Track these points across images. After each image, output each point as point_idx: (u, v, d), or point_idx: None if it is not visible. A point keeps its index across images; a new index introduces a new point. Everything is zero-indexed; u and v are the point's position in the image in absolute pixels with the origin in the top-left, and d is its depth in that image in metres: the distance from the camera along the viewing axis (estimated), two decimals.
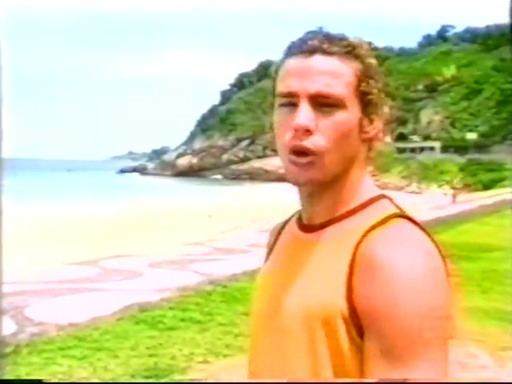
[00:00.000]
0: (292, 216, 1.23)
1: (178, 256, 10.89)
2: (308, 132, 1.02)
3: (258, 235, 14.96)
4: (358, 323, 0.97)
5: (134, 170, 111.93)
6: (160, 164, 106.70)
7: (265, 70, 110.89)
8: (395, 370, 0.92)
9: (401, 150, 60.88)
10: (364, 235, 1.01)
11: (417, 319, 0.93)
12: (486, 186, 44.69)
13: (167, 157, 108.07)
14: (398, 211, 1.06)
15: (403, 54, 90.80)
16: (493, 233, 14.00)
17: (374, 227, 1.01)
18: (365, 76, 1.06)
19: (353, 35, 1.09)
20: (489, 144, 60.24)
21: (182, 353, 5.19)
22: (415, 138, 71.73)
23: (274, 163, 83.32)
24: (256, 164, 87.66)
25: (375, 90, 1.07)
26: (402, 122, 74.12)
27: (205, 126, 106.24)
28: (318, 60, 1.04)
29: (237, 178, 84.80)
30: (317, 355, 1.00)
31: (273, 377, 1.06)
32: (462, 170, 54.12)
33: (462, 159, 57.63)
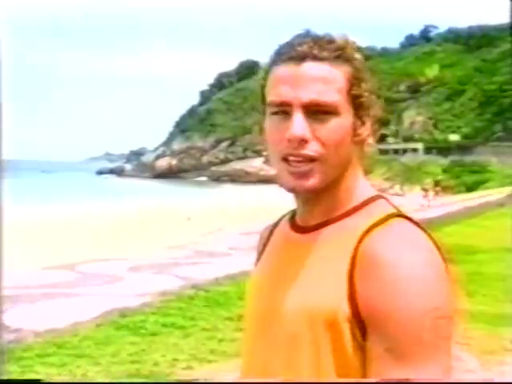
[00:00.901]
0: (282, 217, 1.24)
1: (159, 260, 10.88)
2: (303, 141, 1.04)
3: (240, 238, 14.99)
4: (360, 323, 0.99)
5: (112, 171, 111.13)
6: (138, 165, 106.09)
7: (245, 70, 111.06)
8: (399, 370, 0.94)
9: (383, 152, 61.15)
10: (364, 235, 1.03)
11: (421, 318, 0.95)
12: (470, 188, 45.16)
13: (145, 158, 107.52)
14: (396, 211, 1.08)
15: (385, 54, 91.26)
16: (477, 235, 14.17)
17: (374, 226, 1.03)
18: (355, 79, 1.07)
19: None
20: (472, 145, 60.82)
21: (165, 359, 5.17)
22: (398, 139, 72.22)
23: (254, 165, 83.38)
24: (236, 166, 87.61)
25: (366, 93, 1.08)
26: (385, 123, 74.59)
27: (184, 126, 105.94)
28: (309, 67, 1.05)
29: (217, 179, 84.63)
30: (320, 357, 1.01)
31: (272, 378, 1.07)
32: (445, 171, 54.60)
33: (445, 161, 58.09)
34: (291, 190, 1.07)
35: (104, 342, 5.63)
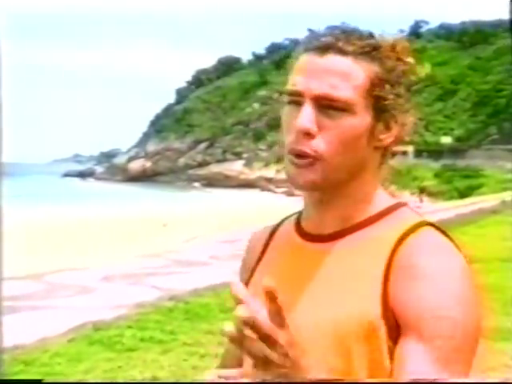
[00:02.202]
0: (282, 221, 1.23)
1: (134, 269, 10.84)
2: (308, 135, 1.05)
3: (220, 246, 14.98)
4: (393, 332, 1.01)
5: (80, 174, 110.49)
6: (109, 168, 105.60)
7: (225, 67, 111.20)
8: (439, 371, 0.96)
9: (390, 156, 61.62)
10: (398, 244, 1.05)
11: (463, 324, 1.00)
12: (462, 194, 45.51)
13: (117, 160, 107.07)
14: (424, 219, 1.10)
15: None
16: (471, 244, 14.22)
17: (406, 235, 1.05)
18: (380, 80, 1.07)
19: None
20: (465, 148, 61.49)
21: (143, 376, 5.14)
22: None
23: (234, 168, 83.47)
24: (215, 169, 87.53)
25: (392, 96, 1.08)
26: None
27: (159, 126, 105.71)
28: (330, 59, 1.06)
29: (194, 183, 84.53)
30: (352, 368, 1.03)
31: None
32: (436, 176, 55.06)
33: (436, 164, 58.61)
34: (294, 184, 1.09)
35: (76, 359, 5.59)
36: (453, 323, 0.99)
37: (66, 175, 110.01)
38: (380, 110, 1.08)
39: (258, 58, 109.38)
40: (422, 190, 43.42)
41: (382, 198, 1.13)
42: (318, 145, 1.05)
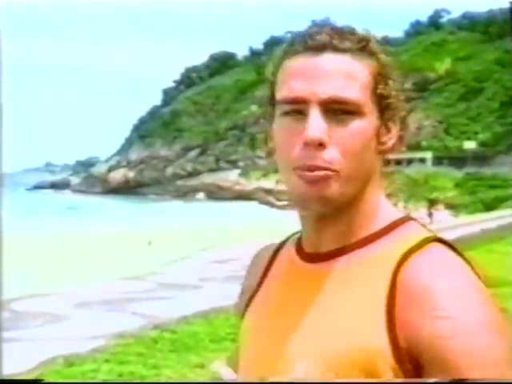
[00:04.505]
0: (287, 239, 1.25)
1: (113, 294, 10.84)
2: (321, 146, 1.05)
3: (212, 267, 15.01)
4: (405, 363, 1.01)
5: (53, 185, 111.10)
6: (87, 179, 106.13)
7: (218, 64, 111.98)
8: None
9: (384, 162, 61.88)
10: (401, 262, 1.05)
11: (493, 352, 0.99)
12: (488, 207, 45.71)
13: (96, 170, 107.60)
14: (432, 234, 1.10)
15: (387, 44, 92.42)
16: (498, 263, 14.27)
17: (410, 252, 1.05)
18: (381, 76, 1.10)
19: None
20: (491, 155, 61.80)
21: None
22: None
23: (229, 178, 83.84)
24: (207, 179, 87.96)
25: (394, 93, 1.11)
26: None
27: (143, 131, 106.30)
28: (329, 58, 1.07)
29: (184, 195, 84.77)
30: None
31: None
32: (458, 186, 55.28)
33: (458, 173, 58.93)
34: (304, 202, 1.08)
35: None
36: (481, 353, 0.99)
37: (37, 187, 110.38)
38: (383, 109, 1.10)
39: (255, 53, 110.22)
40: (433, 203, 42.17)
41: (386, 211, 1.13)
42: (333, 156, 1.05)
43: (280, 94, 1.09)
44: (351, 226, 1.11)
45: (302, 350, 1.07)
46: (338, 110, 1.05)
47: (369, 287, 1.05)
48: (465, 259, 1.07)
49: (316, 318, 1.08)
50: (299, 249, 1.17)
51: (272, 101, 1.12)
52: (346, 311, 1.05)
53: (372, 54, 1.10)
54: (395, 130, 1.12)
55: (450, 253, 1.07)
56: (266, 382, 1.10)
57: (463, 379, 0.97)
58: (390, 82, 1.10)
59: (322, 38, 1.08)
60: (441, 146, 70.59)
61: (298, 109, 1.07)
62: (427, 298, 1.00)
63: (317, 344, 1.05)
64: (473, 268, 1.06)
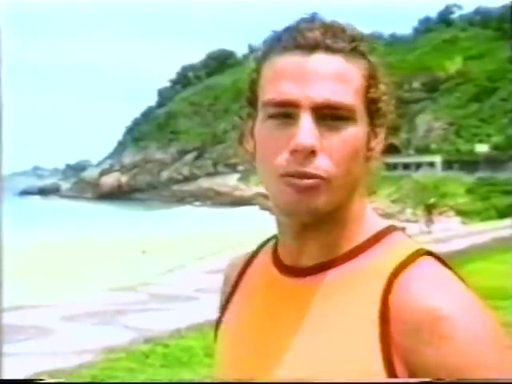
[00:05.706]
0: (259, 249, 1.23)
1: (102, 306, 10.81)
2: (312, 153, 1.03)
3: (208, 277, 14.94)
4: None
5: (42, 191, 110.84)
6: (77, 183, 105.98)
7: (216, 63, 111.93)
8: None
9: (391, 167, 61.67)
10: (392, 278, 1.03)
11: (500, 369, 0.99)
12: (502, 214, 45.53)
13: (87, 174, 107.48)
14: (422, 247, 1.08)
15: (395, 42, 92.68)
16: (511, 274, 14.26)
17: (401, 268, 1.04)
18: (372, 78, 1.09)
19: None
20: (505, 159, 61.59)
21: None
22: (409, 150, 72.98)
23: (228, 182, 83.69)
24: (205, 184, 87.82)
25: (384, 96, 1.10)
26: (394, 131, 75.32)
27: (137, 134, 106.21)
28: (321, 59, 1.05)
29: (180, 201, 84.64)
30: None
31: None
32: (470, 191, 55.13)
33: (469, 178, 58.72)
34: (292, 208, 1.05)
35: None
36: (488, 371, 0.98)
37: (25, 192, 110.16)
38: (373, 113, 1.09)
39: (254, 51, 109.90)
40: (430, 209, 40.17)
41: (371, 221, 1.12)
42: (324, 163, 1.03)
43: (266, 96, 1.06)
44: (334, 237, 1.09)
45: (282, 374, 1.04)
46: (329, 116, 1.04)
47: (357, 305, 1.03)
48: (456, 274, 1.06)
49: (297, 339, 1.06)
50: (276, 259, 1.14)
51: (252, 100, 1.10)
52: (335, 335, 1.03)
53: (363, 55, 1.08)
54: (382, 134, 1.12)
55: (442, 267, 1.06)
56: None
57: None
58: (381, 86, 1.09)
59: (315, 36, 1.05)
60: (451, 150, 70.41)
61: (286, 112, 1.04)
62: (426, 323, 0.99)
63: (300, 369, 1.03)
64: (465, 283, 1.06)
